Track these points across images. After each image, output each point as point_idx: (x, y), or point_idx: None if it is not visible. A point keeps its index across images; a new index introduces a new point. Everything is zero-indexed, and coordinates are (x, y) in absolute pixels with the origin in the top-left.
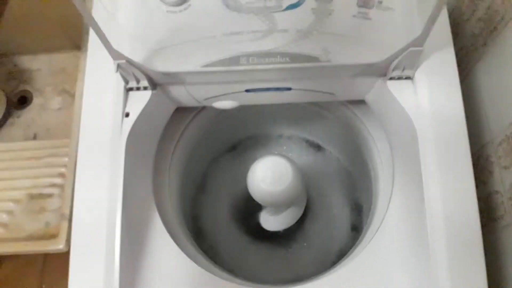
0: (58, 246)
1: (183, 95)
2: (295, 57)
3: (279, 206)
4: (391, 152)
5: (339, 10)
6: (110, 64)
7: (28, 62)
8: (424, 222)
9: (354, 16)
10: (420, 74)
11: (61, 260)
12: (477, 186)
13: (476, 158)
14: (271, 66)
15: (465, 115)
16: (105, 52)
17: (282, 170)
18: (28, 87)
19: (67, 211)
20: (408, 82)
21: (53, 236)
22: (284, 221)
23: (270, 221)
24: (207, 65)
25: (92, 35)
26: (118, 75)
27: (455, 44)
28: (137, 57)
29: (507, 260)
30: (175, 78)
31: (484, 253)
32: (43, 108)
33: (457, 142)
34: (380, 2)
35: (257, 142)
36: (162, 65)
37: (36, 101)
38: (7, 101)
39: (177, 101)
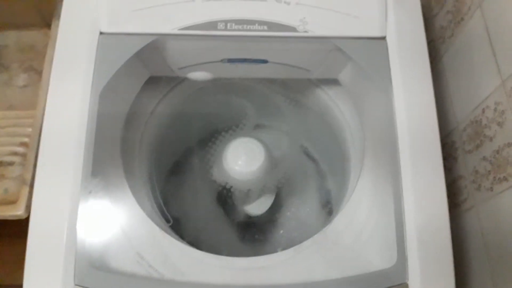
0: (17, 212)
1: (159, 61)
2: (273, 26)
3: (251, 189)
4: (363, 133)
5: None
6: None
7: None
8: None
9: None
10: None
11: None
12: None
13: (442, 145)
14: (249, 33)
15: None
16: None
17: (254, 150)
18: None
19: (28, 177)
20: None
21: (12, 202)
22: (256, 207)
23: (242, 209)
24: (184, 28)
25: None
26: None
27: None
28: (116, 18)
29: (470, 243)
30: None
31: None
32: (7, 84)
33: (428, 131)
34: None
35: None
36: (140, 28)
37: (1, 77)
38: None
39: (151, 68)
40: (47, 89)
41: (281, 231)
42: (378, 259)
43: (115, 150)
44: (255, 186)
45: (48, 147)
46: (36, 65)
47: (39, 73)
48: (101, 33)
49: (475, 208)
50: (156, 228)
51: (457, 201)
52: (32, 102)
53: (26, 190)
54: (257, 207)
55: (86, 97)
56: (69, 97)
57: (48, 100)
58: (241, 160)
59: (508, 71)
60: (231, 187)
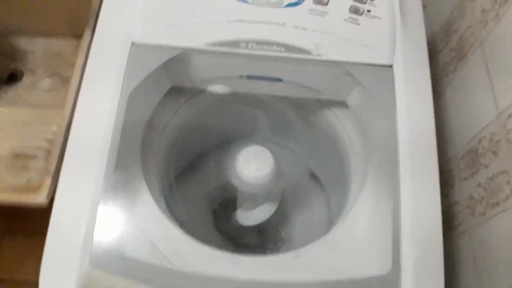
0: (39, 199)
1: (182, 73)
2: (289, 48)
3: (259, 194)
4: (366, 152)
5: (333, 13)
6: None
7: (24, 43)
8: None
9: (345, 20)
10: (399, 92)
11: (18, 248)
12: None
13: (440, 173)
14: (267, 53)
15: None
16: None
17: (264, 157)
18: (20, 66)
19: (52, 169)
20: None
21: (34, 191)
22: (259, 215)
23: (246, 216)
24: (209, 44)
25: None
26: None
27: None
28: (148, 33)
29: (462, 264)
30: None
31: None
32: (32, 87)
33: (428, 152)
34: (369, 11)
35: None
36: (169, 41)
37: (26, 79)
38: None
39: (174, 79)
40: (75, 92)
41: (282, 235)
42: (374, 266)
43: (136, 150)
44: (261, 192)
45: (76, 141)
46: (60, 71)
47: (63, 78)
48: (132, 43)
49: (468, 232)
50: (169, 223)
51: (452, 225)
52: (55, 104)
53: (48, 180)
54: (258, 215)
55: (115, 99)
56: (99, 98)
57: (79, 99)
58: (252, 165)
59: (504, 104)
60: (238, 191)
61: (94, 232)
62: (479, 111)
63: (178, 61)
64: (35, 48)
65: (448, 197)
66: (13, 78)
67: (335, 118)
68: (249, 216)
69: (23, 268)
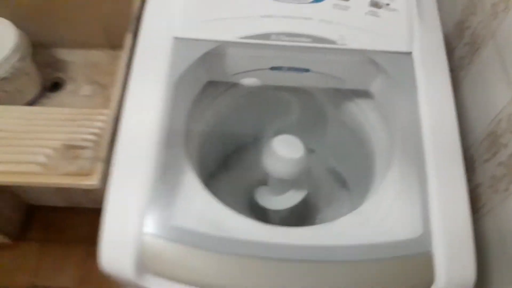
0: (92, 181)
1: (218, 66)
2: (316, 39)
3: (289, 178)
4: (390, 137)
5: (355, 7)
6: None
7: (65, 54)
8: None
9: (366, 13)
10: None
11: (55, 256)
12: None
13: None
14: (296, 43)
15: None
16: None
17: (295, 143)
18: (62, 75)
19: (103, 156)
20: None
21: (87, 175)
22: (288, 200)
23: (273, 200)
24: (243, 38)
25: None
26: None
27: None
28: (188, 28)
29: (489, 242)
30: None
31: None
32: (73, 93)
33: (449, 132)
34: (388, 4)
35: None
36: (207, 35)
37: (68, 87)
38: (41, 84)
39: (211, 72)
40: (118, 92)
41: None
42: (405, 232)
43: (180, 136)
44: (296, 173)
45: (128, 127)
46: (99, 79)
47: (101, 85)
48: (175, 38)
49: (493, 210)
50: (212, 199)
51: (476, 207)
52: (95, 107)
53: (100, 165)
54: (287, 200)
55: (162, 86)
56: (147, 86)
57: (129, 87)
58: (286, 149)
59: None
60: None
61: (148, 201)
62: (495, 96)
63: (214, 54)
64: (76, 58)
65: (470, 181)
66: (56, 86)
67: (358, 109)
68: (279, 201)
69: (61, 276)
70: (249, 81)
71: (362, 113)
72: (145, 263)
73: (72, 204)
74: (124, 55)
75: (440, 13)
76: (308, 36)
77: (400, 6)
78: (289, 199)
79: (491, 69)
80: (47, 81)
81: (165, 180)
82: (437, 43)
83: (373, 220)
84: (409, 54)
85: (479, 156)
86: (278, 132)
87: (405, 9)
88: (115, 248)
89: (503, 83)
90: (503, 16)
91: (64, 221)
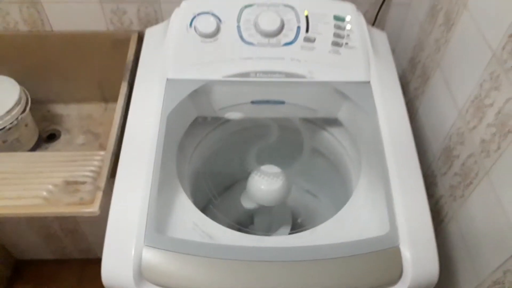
0: (91, 209)
1: (205, 102)
2: (289, 75)
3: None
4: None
5: (319, 47)
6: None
7: (60, 109)
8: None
9: (329, 51)
10: (377, 100)
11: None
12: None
13: (425, 177)
14: (272, 79)
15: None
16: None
17: (275, 173)
18: (57, 127)
19: (102, 185)
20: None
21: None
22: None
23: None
24: (226, 76)
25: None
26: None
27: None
28: (178, 69)
29: (454, 248)
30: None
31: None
32: (68, 143)
33: (406, 142)
34: (347, 43)
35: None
36: (195, 75)
37: (63, 137)
38: (39, 136)
39: (199, 108)
40: (117, 128)
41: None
42: (375, 230)
43: (172, 158)
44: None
45: (127, 153)
46: (92, 129)
47: (94, 134)
48: (167, 79)
49: (454, 217)
50: (203, 214)
51: (441, 218)
52: None
53: (100, 194)
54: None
55: (157, 119)
56: (145, 119)
57: (128, 120)
58: (265, 180)
59: (461, 102)
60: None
61: (146, 218)
62: (445, 115)
63: (202, 92)
64: (70, 112)
65: (434, 195)
66: (53, 137)
67: (331, 136)
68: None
69: None
70: (233, 115)
71: (335, 138)
72: (143, 272)
73: (60, 256)
74: (120, 100)
75: (396, 52)
76: (281, 73)
77: (357, 44)
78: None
79: (439, 94)
80: (44, 132)
81: (160, 199)
82: (390, 72)
83: (348, 223)
84: (367, 82)
85: (438, 170)
86: (261, 162)
87: (361, 46)
88: (115, 260)
89: (450, 103)
90: (444, 48)
91: (52, 273)
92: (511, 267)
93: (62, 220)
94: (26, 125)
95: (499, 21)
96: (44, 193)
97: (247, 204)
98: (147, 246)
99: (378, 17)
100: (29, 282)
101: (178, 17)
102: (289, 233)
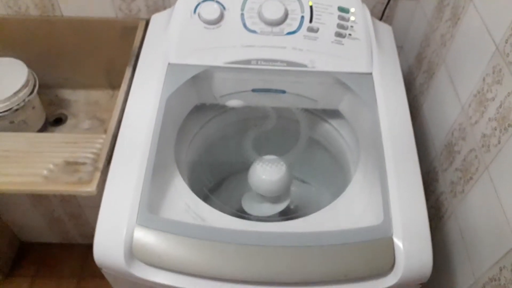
0: (89, 188)
1: (206, 88)
2: (290, 63)
3: (272, 195)
4: (358, 145)
5: (322, 37)
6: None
7: (68, 94)
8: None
9: (332, 42)
10: (378, 92)
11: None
12: (427, 196)
13: (426, 173)
14: (273, 67)
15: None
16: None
17: (277, 164)
18: (64, 112)
19: (100, 166)
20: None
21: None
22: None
23: (257, 208)
24: (228, 63)
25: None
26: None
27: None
28: (180, 54)
29: (452, 244)
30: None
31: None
32: (74, 127)
33: (405, 135)
34: (350, 34)
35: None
36: (196, 61)
37: (70, 122)
38: (46, 120)
39: (200, 95)
40: (120, 104)
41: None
42: (370, 220)
43: (171, 142)
44: (279, 190)
45: (124, 136)
46: (98, 115)
47: (100, 120)
48: (169, 63)
49: (454, 213)
50: (197, 198)
51: (440, 214)
52: None
53: (98, 175)
54: (270, 208)
55: (156, 102)
56: (144, 102)
57: (128, 102)
58: (267, 171)
59: (464, 98)
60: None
61: (139, 198)
62: (449, 111)
63: (203, 78)
64: (78, 98)
65: (435, 191)
66: (59, 121)
67: (330, 127)
68: (263, 208)
69: None
70: (233, 102)
71: (335, 130)
72: (134, 251)
73: (64, 240)
74: (123, 84)
75: (404, 49)
76: (282, 61)
77: (361, 36)
78: (272, 208)
79: (444, 89)
80: (51, 116)
81: (155, 181)
82: (393, 64)
83: (342, 212)
84: (369, 74)
85: (440, 166)
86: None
87: (364, 38)
88: (107, 238)
89: (453, 98)
90: (450, 43)
91: (55, 257)
92: (507, 264)
93: (66, 204)
94: (33, 108)
95: (504, 13)
96: (45, 172)
97: (250, 209)
98: (139, 225)
99: (386, 12)
100: (33, 263)
101: (183, 4)
102: (283, 219)
